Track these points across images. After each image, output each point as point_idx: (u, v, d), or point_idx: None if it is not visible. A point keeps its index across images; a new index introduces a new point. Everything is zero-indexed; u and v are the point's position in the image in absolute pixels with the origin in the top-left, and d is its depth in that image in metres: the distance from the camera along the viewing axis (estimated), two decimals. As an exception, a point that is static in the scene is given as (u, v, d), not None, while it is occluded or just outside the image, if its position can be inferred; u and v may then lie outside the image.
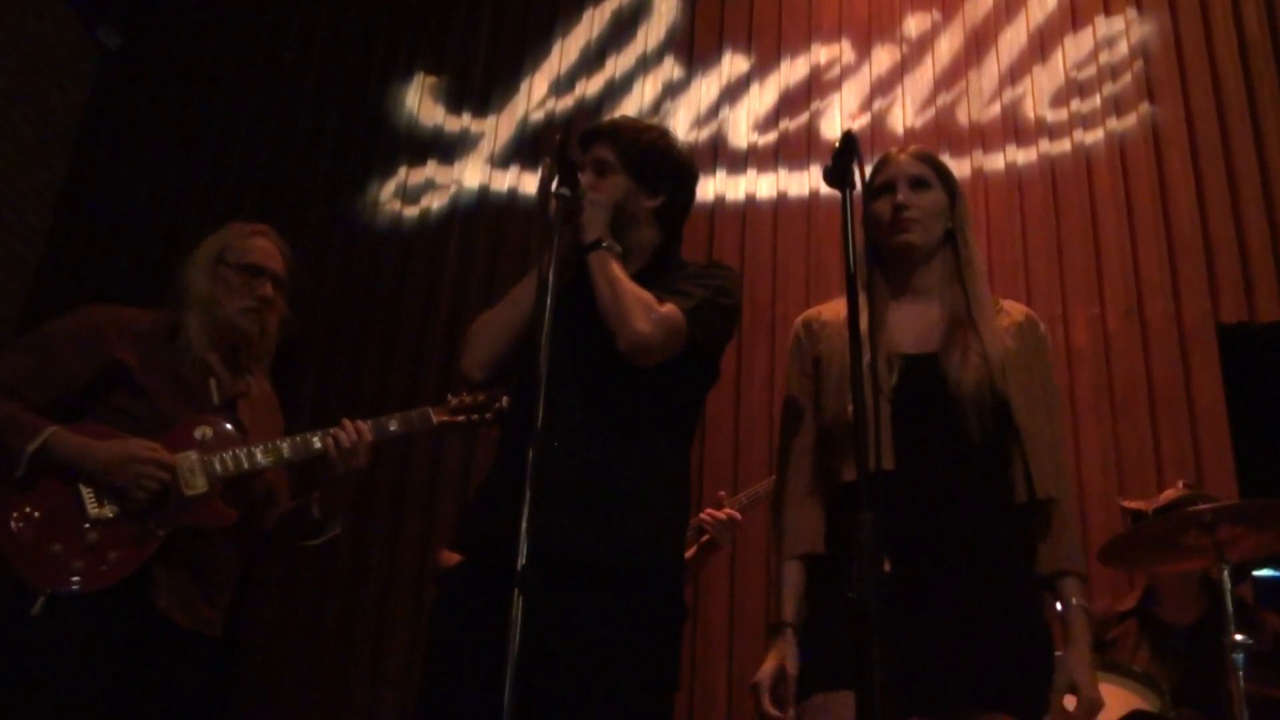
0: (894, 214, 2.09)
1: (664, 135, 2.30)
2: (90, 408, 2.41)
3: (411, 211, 4.78)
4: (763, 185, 4.52)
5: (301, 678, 3.99)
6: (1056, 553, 1.96)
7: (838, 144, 1.91)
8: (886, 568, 1.54)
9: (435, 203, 4.78)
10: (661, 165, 2.25)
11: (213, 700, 2.53)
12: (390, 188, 4.82)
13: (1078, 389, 3.96)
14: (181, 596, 2.35)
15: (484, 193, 4.75)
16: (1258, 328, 3.93)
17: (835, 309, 2.17)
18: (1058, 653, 1.92)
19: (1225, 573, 2.38)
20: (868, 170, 2.13)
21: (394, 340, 4.56)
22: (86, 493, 2.31)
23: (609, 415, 2.08)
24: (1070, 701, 1.87)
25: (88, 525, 2.29)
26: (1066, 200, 4.24)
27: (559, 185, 2.05)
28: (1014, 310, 2.15)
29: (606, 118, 2.45)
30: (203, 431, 2.42)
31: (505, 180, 4.75)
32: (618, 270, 2.08)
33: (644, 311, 2.02)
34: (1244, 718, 2.34)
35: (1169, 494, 3.11)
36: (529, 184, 4.72)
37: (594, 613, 1.95)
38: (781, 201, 4.47)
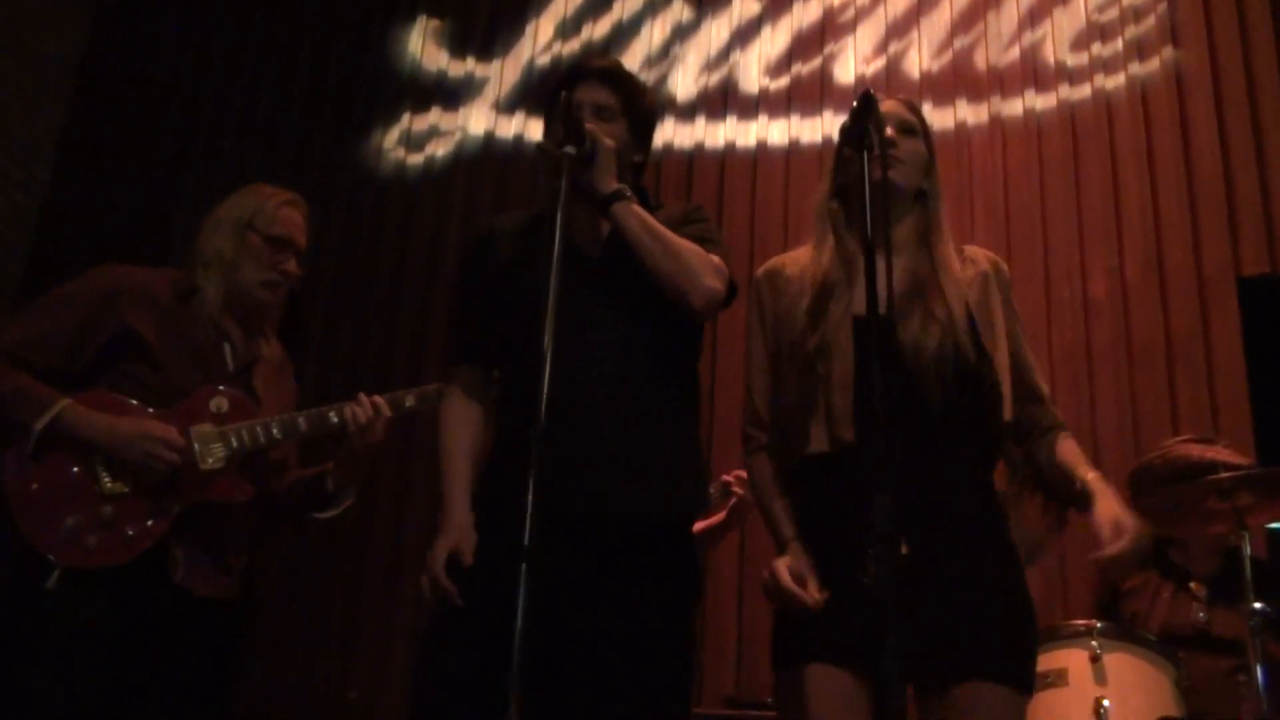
0: (881, 149, 2.02)
1: (651, 89, 2.30)
2: (102, 374, 2.36)
3: (416, 159, 4.69)
4: (774, 132, 4.42)
5: (309, 634, 4.00)
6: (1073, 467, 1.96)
7: (856, 104, 1.85)
8: (904, 550, 1.50)
9: (440, 150, 4.69)
10: (652, 125, 2.24)
11: (229, 662, 2.52)
12: (394, 135, 4.73)
13: (1094, 342, 3.90)
14: (198, 567, 2.33)
15: (489, 139, 4.66)
16: (1279, 279, 3.85)
17: (798, 260, 2.10)
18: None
19: (1245, 539, 2.34)
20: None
21: (399, 290, 4.51)
22: (100, 467, 2.28)
23: (638, 367, 2.04)
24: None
25: (102, 499, 2.26)
26: (1086, 148, 4.13)
27: (565, 143, 1.98)
28: (978, 257, 2.11)
29: (599, 59, 2.36)
30: (218, 403, 2.39)
31: (511, 126, 4.66)
32: (655, 221, 2.03)
33: (707, 266, 2.00)
34: (1258, 681, 2.34)
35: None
36: (535, 130, 4.62)
37: (629, 567, 1.91)
38: (794, 149, 4.37)
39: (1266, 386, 3.77)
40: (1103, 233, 4.02)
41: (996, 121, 4.23)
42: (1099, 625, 2.25)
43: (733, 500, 2.92)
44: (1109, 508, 1.89)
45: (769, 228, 4.25)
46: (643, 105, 2.19)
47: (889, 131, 2.00)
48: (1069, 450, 2.01)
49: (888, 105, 2.09)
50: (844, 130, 1.93)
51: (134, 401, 2.34)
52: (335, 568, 4.08)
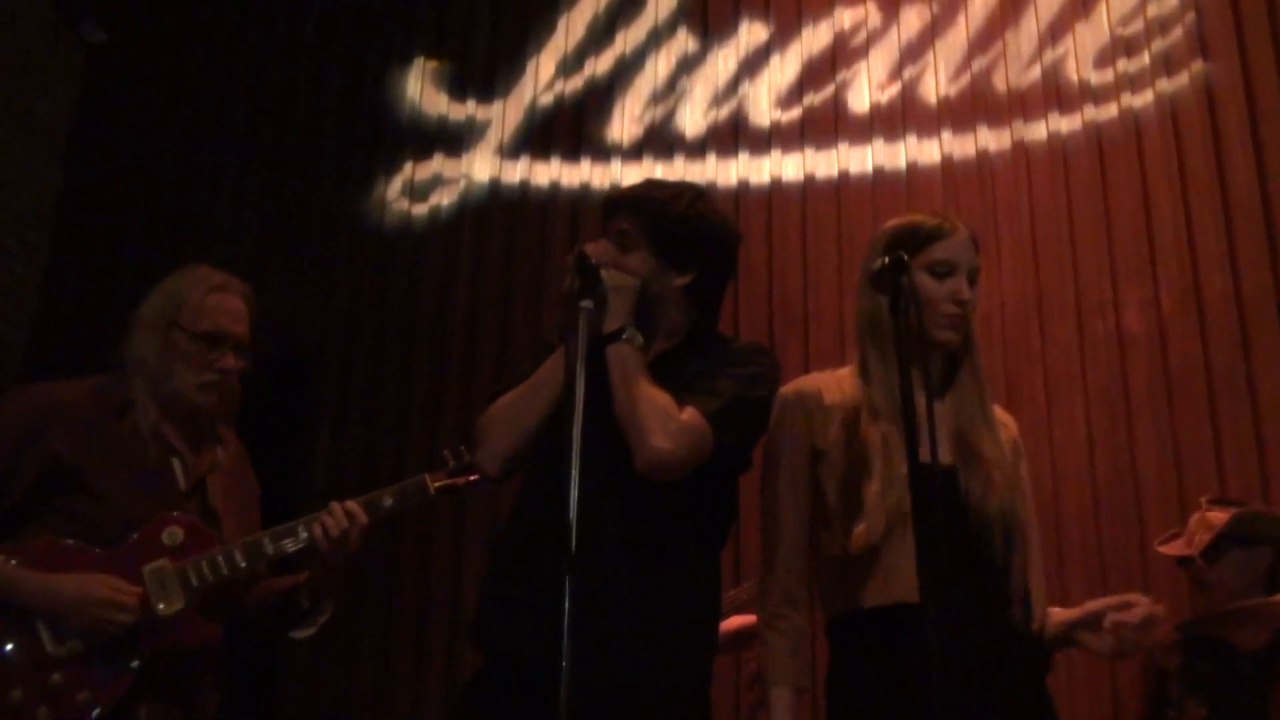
0: (958, 308, 1.90)
1: (694, 202, 2.07)
2: (36, 512, 2.12)
3: (420, 210, 4.57)
4: (788, 167, 4.27)
5: (341, 706, 3.93)
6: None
7: (887, 261, 1.73)
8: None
9: (445, 199, 4.56)
10: (691, 239, 2.04)
11: None
12: (396, 185, 4.61)
13: (1131, 379, 3.75)
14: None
15: (495, 186, 4.53)
16: (1324, 305, 3.70)
17: (837, 387, 1.97)
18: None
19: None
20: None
21: (412, 345, 4.41)
22: (43, 629, 2.05)
23: (642, 526, 1.94)
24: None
25: (49, 666, 2.03)
26: (1115, 171, 3.96)
27: (581, 296, 1.88)
28: (1006, 421, 2.00)
29: (626, 187, 2.21)
30: (172, 534, 2.14)
31: (516, 172, 4.52)
32: (635, 370, 1.92)
33: (662, 424, 1.85)
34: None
35: (1196, 521, 2.94)
36: (540, 175, 4.49)
37: None
38: (809, 184, 4.22)
39: (1314, 420, 3.63)
40: (1135, 262, 3.86)
41: (1020, 147, 4.06)
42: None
43: None
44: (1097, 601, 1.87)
45: (788, 269, 4.11)
46: (668, 222, 2.03)
47: (964, 291, 1.89)
48: None
49: (963, 245, 1.94)
50: (874, 278, 1.81)
51: (75, 545, 2.08)
52: (363, 633, 3.99)
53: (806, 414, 1.96)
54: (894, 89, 4.23)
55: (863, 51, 4.31)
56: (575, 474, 1.68)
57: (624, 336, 1.95)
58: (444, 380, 4.32)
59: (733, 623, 2.91)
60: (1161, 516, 3.56)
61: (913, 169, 4.13)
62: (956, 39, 4.24)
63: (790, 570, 1.91)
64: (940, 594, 1.57)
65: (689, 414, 1.88)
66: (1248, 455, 3.60)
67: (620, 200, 2.11)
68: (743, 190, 4.26)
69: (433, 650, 3.92)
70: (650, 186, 2.14)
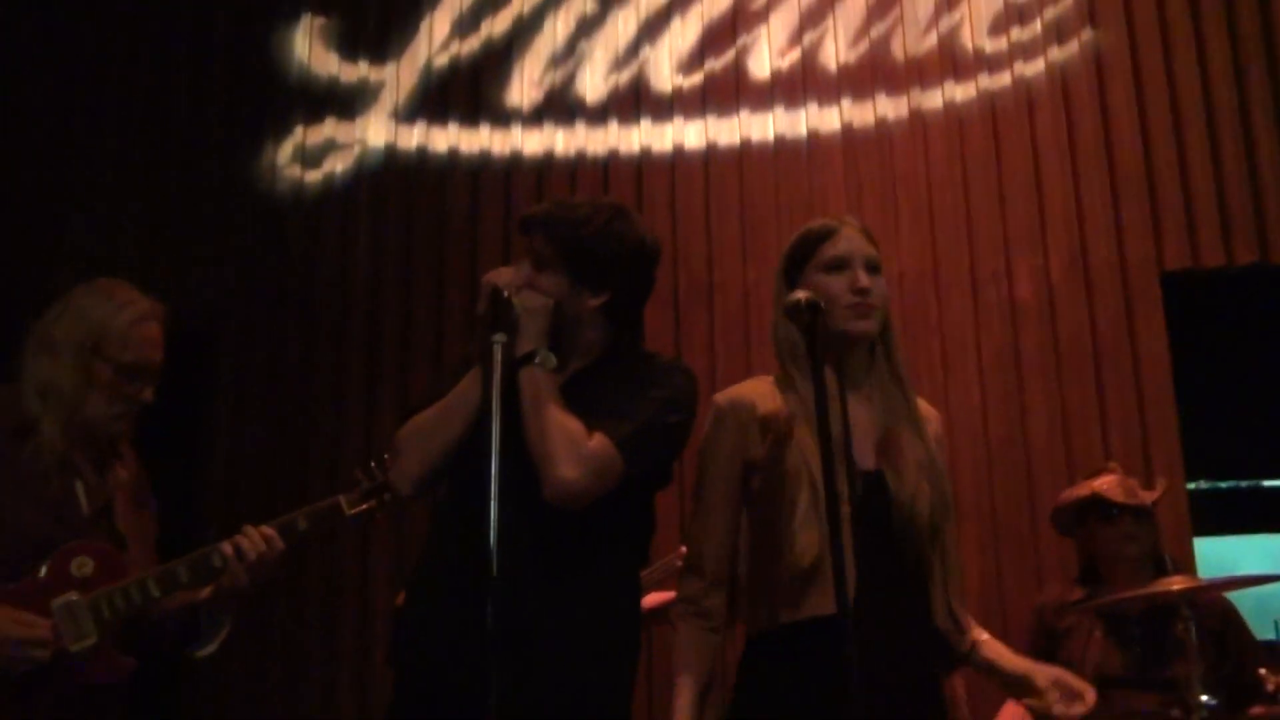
0: (859, 296, 1.91)
1: (610, 221, 2.02)
2: None
3: (314, 176, 4.40)
4: (690, 134, 4.25)
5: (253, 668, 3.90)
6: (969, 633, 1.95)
7: (803, 302, 1.75)
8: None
9: (339, 165, 4.41)
10: (606, 260, 2.00)
11: None
12: (288, 150, 4.43)
13: (1022, 346, 3.90)
14: None
15: (391, 152, 4.39)
16: (1200, 274, 3.88)
17: (769, 397, 1.96)
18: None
19: (1190, 628, 2.40)
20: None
21: (312, 318, 4.28)
22: None
23: (558, 547, 1.94)
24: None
25: None
26: (1008, 140, 4.07)
27: (495, 331, 1.86)
28: (929, 414, 2.03)
29: (542, 204, 2.14)
30: (80, 563, 2.06)
31: (413, 137, 4.38)
32: (546, 395, 1.91)
33: (569, 453, 1.85)
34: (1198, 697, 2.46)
35: (1121, 483, 3.09)
36: (438, 140, 4.37)
37: None
38: (711, 152, 4.21)
39: (1192, 383, 3.83)
40: (1027, 230, 3.99)
41: (917, 116, 4.12)
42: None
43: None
44: (1038, 667, 1.90)
45: (691, 239, 4.12)
46: (581, 244, 2.00)
47: (862, 279, 1.90)
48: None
49: (852, 238, 1.96)
50: (789, 311, 1.82)
51: None
52: (271, 623, 3.93)
53: (741, 425, 1.96)
54: (794, 55, 4.23)
55: (763, 15, 4.29)
56: (494, 510, 1.67)
57: (535, 360, 1.94)
58: (346, 355, 4.23)
59: (647, 600, 2.98)
60: (1050, 477, 3.73)
61: (814, 137, 4.15)
62: (855, 4, 4.24)
63: (716, 578, 1.94)
64: (862, 605, 1.61)
65: (598, 441, 1.88)
66: (1130, 418, 3.79)
67: (534, 219, 2.07)
68: (645, 158, 4.23)
69: (343, 637, 3.90)
70: (564, 207, 2.10)
